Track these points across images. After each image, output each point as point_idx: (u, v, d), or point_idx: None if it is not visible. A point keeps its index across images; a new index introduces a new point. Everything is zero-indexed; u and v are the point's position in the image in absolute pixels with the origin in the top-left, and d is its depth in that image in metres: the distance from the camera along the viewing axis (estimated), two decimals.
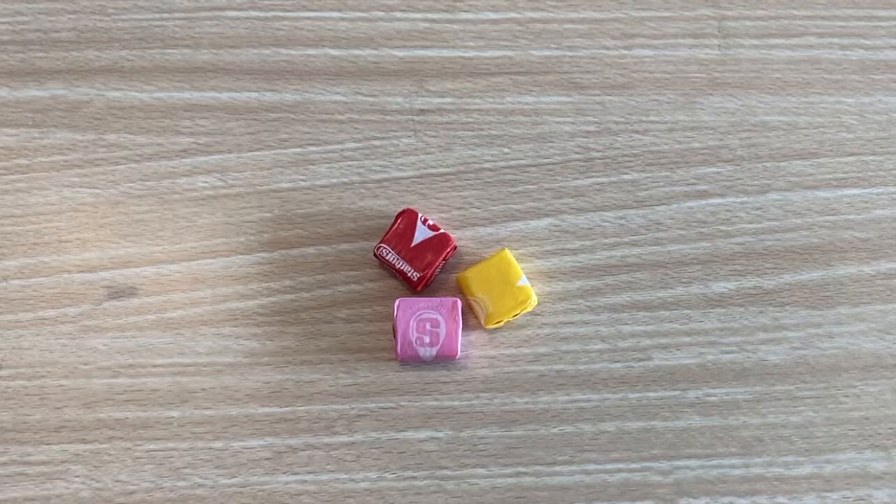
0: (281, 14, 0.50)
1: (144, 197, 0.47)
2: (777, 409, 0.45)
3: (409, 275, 0.45)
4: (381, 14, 0.50)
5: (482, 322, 0.45)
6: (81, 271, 0.46)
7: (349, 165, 0.47)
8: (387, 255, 0.45)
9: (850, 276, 0.47)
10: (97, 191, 0.47)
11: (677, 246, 0.47)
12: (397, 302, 0.44)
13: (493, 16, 0.50)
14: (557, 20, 0.50)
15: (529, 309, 0.45)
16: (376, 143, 0.48)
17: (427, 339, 0.44)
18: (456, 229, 0.47)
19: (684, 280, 0.46)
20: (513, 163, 0.48)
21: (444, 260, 0.45)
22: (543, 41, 0.50)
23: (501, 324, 0.45)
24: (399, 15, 0.50)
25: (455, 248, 0.46)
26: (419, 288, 0.45)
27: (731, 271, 0.47)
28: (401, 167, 0.47)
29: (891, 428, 0.45)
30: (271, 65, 0.49)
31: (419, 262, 0.45)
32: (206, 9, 0.50)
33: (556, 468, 0.44)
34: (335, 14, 0.50)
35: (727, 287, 0.46)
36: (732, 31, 0.50)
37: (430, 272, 0.45)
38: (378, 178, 0.47)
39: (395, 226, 0.45)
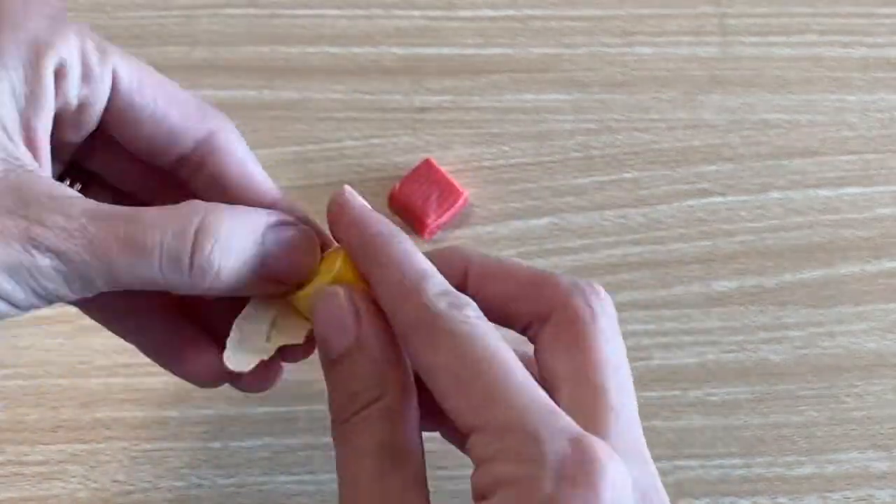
0: (279, 11, 0.49)
1: None
2: (778, 409, 0.45)
3: (425, 220, 0.45)
4: (379, 11, 0.50)
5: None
6: None
7: (348, 164, 0.47)
8: (404, 197, 0.45)
9: (852, 274, 0.47)
10: None
11: (678, 245, 0.47)
12: None
13: (492, 13, 0.50)
14: (557, 17, 0.50)
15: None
16: (375, 141, 0.48)
17: None
18: (456, 228, 0.46)
19: (685, 279, 0.46)
20: (512, 161, 0.48)
21: (452, 213, 0.46)
22: (543, 38, 0.49)
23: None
24: (398, 12, 0.49)
25: (466, 201, 0.46)
26: (427, 237, 0.45)
27: (732, 270, 0.46)
28: (400, 166, 0.47)
29: (893, 428, 0.45)
30: (269, 62, 0.49)
31: (428, 209, 0.45)
32: (205, 6, 0.49)
33: None
34: (334, 11, 0.50)
35: (728, 286, 0.46)
36: (733, 29, 0.50)
37: (436, 220, 0.45)
38: (377, 176, 0.47)
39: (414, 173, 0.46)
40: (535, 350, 0.30)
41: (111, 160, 0.32)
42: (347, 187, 0.30)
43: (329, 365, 0.29)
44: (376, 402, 0.28)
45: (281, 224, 0.30)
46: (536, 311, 0.29)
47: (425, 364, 0.27)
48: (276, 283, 0.30)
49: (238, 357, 0.31)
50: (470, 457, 0.26)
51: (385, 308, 0.28)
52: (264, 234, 0.29)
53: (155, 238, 0.27)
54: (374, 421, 0.28)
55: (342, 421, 0.28)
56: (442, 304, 0.27)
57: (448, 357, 0.27)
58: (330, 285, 0.30)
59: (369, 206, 0.30)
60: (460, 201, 0.46)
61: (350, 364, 0.28)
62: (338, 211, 0.30)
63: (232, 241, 0.28)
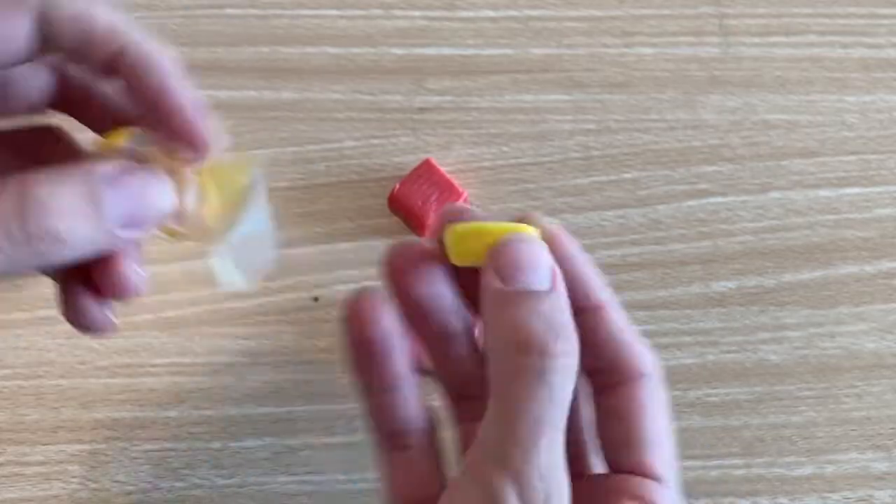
0: (279, 12, 0.49)
1: None
2: (778, 409, 0.45)
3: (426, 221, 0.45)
4: (379, 12, 0.50)
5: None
6: None
7: (348, 164, 0.47)
8: (405, 198, 0.45)
9: (852, 275, 0.47)
10: None
11: (678, 245, 0.47)
12: None
13: (492, 14, 0.50)
14: (557, 18, 0.50)
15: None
16: (375, 141, 0.48)
17: None
18: None
19: (685, 279, 0.46)
20: (512, 161, 0.48)
21: None
22: (543, 39, 0.49)
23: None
24: (398, 13, 0.49)
25: (466, 201, 0.46)
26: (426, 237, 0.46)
27: (731, 270, 0.46)
28: (400, 166, 0.47)
29: (892, 428, 0.45)
30: (269, 63, 0.49)
31: (429, 210, 0.45)
32: (205, 6, 0.49)
33: None
34: (334, 12, 0.50)
35: (728, 286, 0.46)
36: (733, 30, 0.50)
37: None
38: (377, 177, 0.47)
39: (414, 172, 0.45)
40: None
41: None
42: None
43: (526, 297, 0.29)
44: (574, 352, 0.28)
45: (118, 174, 0.29)
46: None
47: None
48: (137, 230, 0.29)
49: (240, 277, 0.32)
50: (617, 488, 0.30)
51: None
52: (101, 190, 0.28)
53: None
54: (571, 365, 0.28)
55: (549, 355, 0.28)
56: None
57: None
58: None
59: None
60: (460, 202, 0.46)
61: (556, 301, 0.29)
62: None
63: (54, 204, 0.27)
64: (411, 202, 0.45)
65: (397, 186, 0.46)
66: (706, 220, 0.47)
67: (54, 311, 0.45)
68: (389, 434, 0.32)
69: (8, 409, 0.44)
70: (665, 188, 0.47)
